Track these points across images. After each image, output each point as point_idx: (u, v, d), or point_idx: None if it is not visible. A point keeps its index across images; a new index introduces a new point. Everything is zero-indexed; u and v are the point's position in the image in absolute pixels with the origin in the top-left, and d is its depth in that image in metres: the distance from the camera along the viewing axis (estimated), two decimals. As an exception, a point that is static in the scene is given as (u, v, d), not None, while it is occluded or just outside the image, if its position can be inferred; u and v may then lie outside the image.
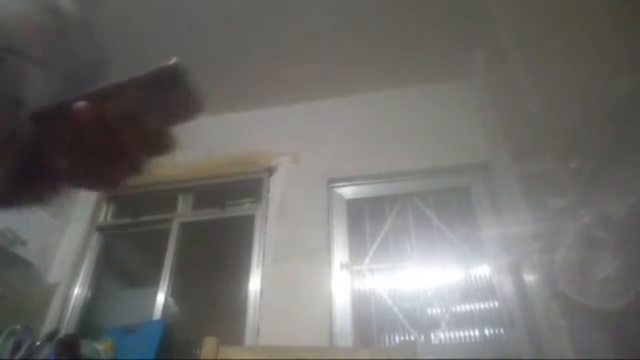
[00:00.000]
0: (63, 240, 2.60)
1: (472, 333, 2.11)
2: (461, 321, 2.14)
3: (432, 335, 2.11)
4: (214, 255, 2.80)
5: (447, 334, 2.11)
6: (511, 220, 2.15)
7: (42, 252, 2.32)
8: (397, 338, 2.16)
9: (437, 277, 2.28)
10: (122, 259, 3.05)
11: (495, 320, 2.10)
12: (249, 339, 2.17)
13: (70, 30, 0.43)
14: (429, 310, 2.20)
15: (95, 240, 2.76)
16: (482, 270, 2.25)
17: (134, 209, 2.86)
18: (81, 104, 0.36)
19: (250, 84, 2.76)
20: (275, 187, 2.63)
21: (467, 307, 2.19)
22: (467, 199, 2.46)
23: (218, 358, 1.55)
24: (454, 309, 2.17)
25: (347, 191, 2.59)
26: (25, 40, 0.38)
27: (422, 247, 2.37)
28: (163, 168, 2.63)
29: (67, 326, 2.41)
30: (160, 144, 0.39)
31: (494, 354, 1.98)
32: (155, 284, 2.49)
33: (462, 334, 2.11)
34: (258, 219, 2.59)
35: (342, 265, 2.33)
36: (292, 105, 2.88)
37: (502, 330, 2.07)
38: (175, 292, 2.50)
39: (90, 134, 0.37)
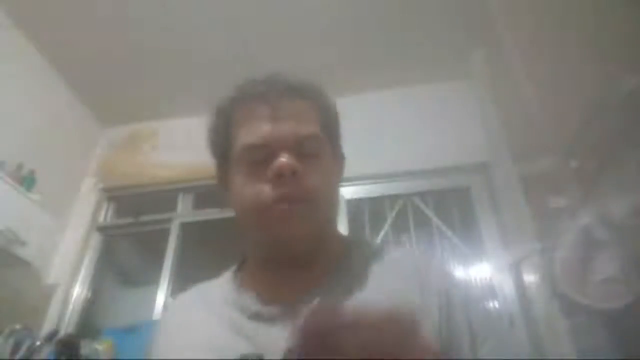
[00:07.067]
0: (63, 240, 2.60)
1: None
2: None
3: (432, 335, 2.11)
4: (214, 255, 2.79)
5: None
6: (511, 220, 2.15)
7: (42, 252, 2.31)
8: (397, 338, 2.15)
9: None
10: (122, 259, 3.04)
11: (495, 320, 2.10)
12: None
13: None
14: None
15: (95, 240, 2.76)
16: (482, 270, 2.25)
17: (134, 209, 2.86)
18: None
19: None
20: (275, 187, 2.62)
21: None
22: (467, 198, 2.46)
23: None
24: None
25: (347, 191, 2.58)
26: None
27: (422, 247, 2.37)
28: (163, 168, 2.63)
29: (67, 326, 2.41)
30: None
31: (494, 354, 1.98)
32: (155, 284, 2.49)
33: (462, 334, 2.11)
34: (258, 219, 2.58)
35: (342, 265, 2.33)
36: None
37: (502, 330, 2.07)
38: (175, 292, 2.49)
39: None
